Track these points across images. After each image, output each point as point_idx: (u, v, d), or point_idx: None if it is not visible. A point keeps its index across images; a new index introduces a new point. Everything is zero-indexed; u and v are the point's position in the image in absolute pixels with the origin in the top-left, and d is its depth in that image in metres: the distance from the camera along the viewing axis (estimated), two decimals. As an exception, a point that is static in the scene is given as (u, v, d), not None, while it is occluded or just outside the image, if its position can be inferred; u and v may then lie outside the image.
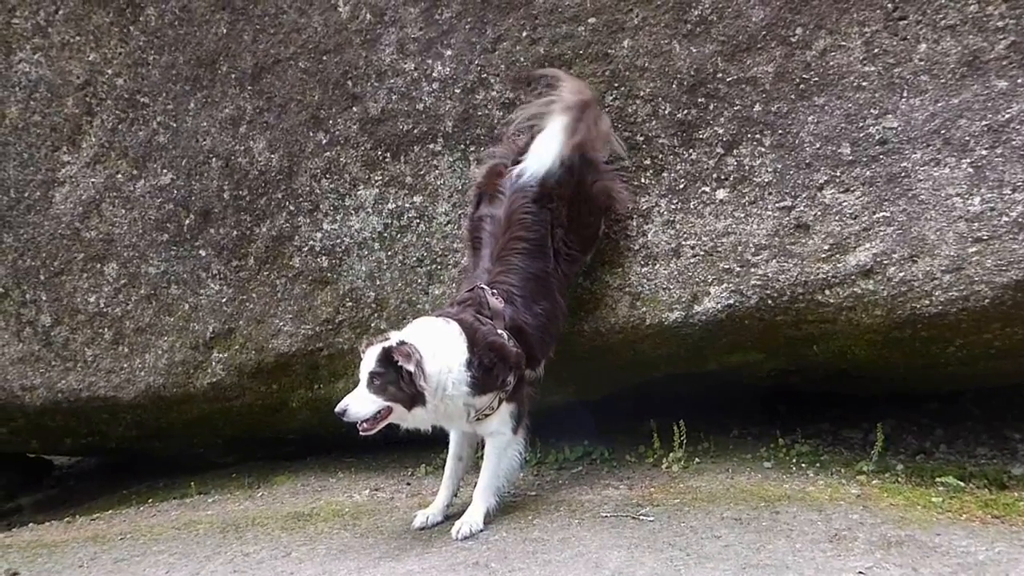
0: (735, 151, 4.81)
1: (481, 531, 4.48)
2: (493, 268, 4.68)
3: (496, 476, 4.61)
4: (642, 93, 4.96)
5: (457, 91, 5.26)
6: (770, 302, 4.75)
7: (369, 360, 4.27)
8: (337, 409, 4.24)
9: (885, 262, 4.50)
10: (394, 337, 4.33)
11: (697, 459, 5.27)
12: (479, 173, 5.05)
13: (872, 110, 4.56)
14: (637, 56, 4.94)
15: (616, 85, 5.00)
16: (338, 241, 5.58)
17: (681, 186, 4.92)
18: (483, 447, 4.72)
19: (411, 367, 4.18)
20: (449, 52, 5.25)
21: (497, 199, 4.79)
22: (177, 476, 6.79)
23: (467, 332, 4.37)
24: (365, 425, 4.26)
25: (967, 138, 4.38)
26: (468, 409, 4.44)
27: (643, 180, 5.00)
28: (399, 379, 4.21)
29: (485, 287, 4.59)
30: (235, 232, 5.77)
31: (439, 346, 4.32)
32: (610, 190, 4.92)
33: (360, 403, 4.24)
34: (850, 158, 4.58)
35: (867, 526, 4.09)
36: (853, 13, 4.56)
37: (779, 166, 4.72)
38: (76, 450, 7.72)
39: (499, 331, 4.48)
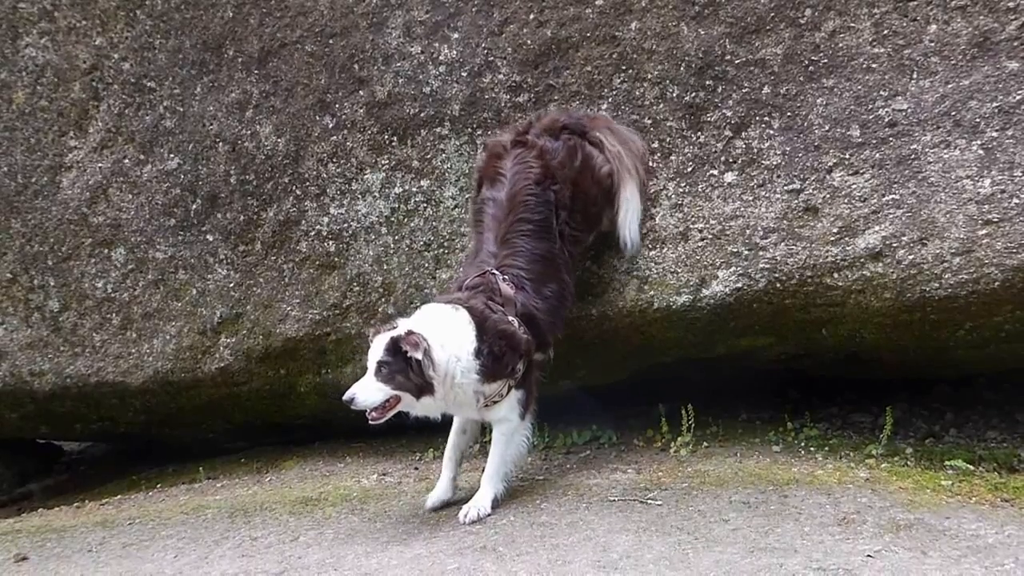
0: (743, 134, 4.79)
1: (489, 515, 4.48)
2: (499, 251, 4.63)
3: (504, 462, 4.60)
4: (650, 76, 4.94)
5: (464, 74, 5.24)
6: (778, 285, 4.73)
7: (377, 348, 4.23)
8: (345, 397, 4.21)
9: (894, 245, 4.48)
10: (402, 325, 4.30)
11: (705, 443, 5.26)
12: (480, 157, 5.03)
13: (882, 92, 4.53)
14: (645, 38, 4.92)
15: (624, 68, 4.98)
16: (345, 225, 5.57)
17: (689, 169, 4.90)
18: (489, 429, 4.72)
19: (420, 357, 4.15)
20: (456, 35, 5.24)
21: (499, 182, 4.74)
22: (186, 461, 6.81)
23: (477, 320, 4.33)
24: (374, 414, 4.24)
25: (977, 120, 4.36)
26: (477, 396, 4.42)
27: (651, 163, 4.97)
28: (407, 368, 4.18)
29: (496, 272, 4.55)
30: (242, 217, 5.77)
31: (448, 335, 4.28)
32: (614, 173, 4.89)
33: (368, 391, 4.20)
34: (859, 140, 4.56)
35: (876, 509, 4.09)
36: (863, -6, 4.54)
37: (788, 149, 4.69)
38: (86, 436, 7.73)
39: (510, 318, 4.45)
